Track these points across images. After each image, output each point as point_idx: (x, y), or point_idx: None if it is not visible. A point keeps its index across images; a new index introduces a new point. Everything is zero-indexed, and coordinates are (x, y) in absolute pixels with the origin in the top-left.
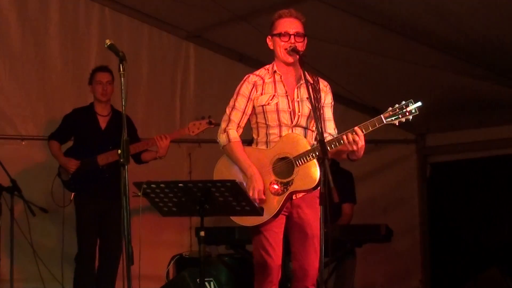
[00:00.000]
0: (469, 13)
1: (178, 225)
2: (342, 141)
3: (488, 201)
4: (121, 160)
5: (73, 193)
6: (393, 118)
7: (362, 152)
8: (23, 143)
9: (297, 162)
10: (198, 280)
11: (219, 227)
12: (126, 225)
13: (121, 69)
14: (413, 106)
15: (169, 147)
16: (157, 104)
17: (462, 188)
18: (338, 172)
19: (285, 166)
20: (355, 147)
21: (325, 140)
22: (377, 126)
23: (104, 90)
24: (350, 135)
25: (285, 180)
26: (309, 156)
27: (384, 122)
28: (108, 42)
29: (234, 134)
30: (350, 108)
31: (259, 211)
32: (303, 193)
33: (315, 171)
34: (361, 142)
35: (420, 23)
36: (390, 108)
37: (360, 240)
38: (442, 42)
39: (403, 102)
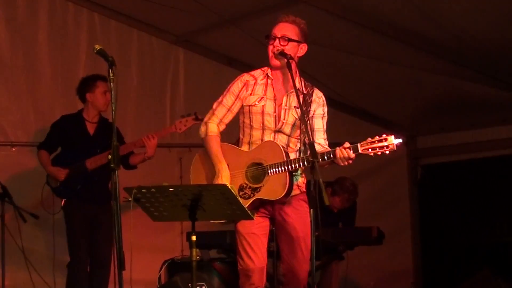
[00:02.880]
0: (459, 16)
1: (169, 229)
2: (328, 157)
3: (479, 202)
4: (112, 165)
5: (63, 200)
6: (370, 150)
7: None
8: (14, 149)
9: (269, 171)
10: (190, 284)
11: (211, 231)
12: (117, 230)
13: (111, 74)
14: (392, 142)
15: (156, 147)
16: (147, 109)
17: (453, 190)
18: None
19: (257, 172)
20: (346, 163)
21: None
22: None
23: (108, 100)
24: (343, 151)
25: (254, 186)
26: (282, 168)
27: (359, 151)
28: (97, 47)
29: (213, 128)
30: (339, 111)
31: (250, 215)
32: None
33: (283, 184)
34: (353, 158)
35: (410, 25)
36: (369, 139)
37: (352, 243)
38: (432, 44)
39: (384, 135)
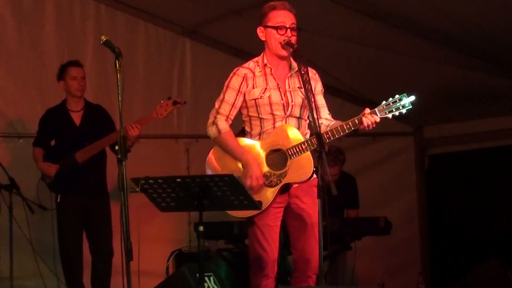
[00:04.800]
0: (466, 4)
1: (177, 220)
2: (354, 125)
3: (487, 192)
4: (119, 156)
5: (58, 195)
6: (386, 112)
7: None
8: (21, 141)
9: (291, 155)
10: (197, 275)
11: (218, 222)
12: (125, 221)
13: (117, 65)
14: (406, 100)
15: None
16: (154, 100)
17: (461, 180)
18: (341, 177)
19: (278, 158)
20: (373, 126)
21: (329, 129)
22: None
23: (80, 85)
24: (369, 117)
25: (278, 172)
26: (303, 148)
27: (378, 115)
28: (103, 38)
29: (224, 124)
30: (347, 102)
31: (257, 205)
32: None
33: (309, 163)
34: (378, 119)
35: (417, 15)
36: (384, 102)
37: (359, 233)
38: (439, 34)
39: (397, 96)
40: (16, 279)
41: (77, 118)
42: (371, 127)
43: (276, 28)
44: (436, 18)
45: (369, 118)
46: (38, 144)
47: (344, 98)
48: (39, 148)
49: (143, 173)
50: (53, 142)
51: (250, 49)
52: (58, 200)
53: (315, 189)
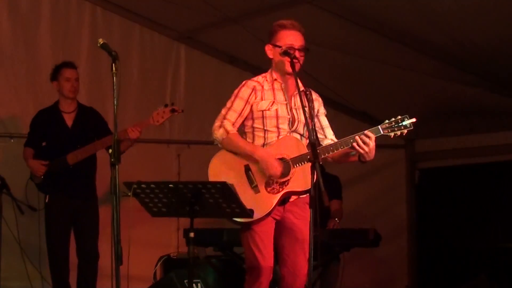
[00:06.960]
0: (461, 19)
1: (165, 225)
2: (342, 146)
3: (476, 207)
4: (112, 160)
5: (47, 196)
6: (389, 130)
7: (373, 154)
8: (12, 140)
9: (294, 164)
10: (185, 281)
11: (208, 228)
12: (116, 225)
13: (114, 69)
14: (408, 122)
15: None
16: (147, 105)
17: (451, 194)
18: (324, 177)
19: (282, 167)
20: (366, 149)
21: (327, 144)
22: (375, 135)
23: (73, 87)
24: (362, 137)
25: (281, 180)
26: (306, 159)
27: (381, 133)
28: (101, 41)
29: (231, 127)
30: (340, 112)
31: (249, 213)
32: (296, 197)
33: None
34: (372, 143)
35: (412, 28)
36: (387, 121)
37: (348, 244)
38: (433, 48)
39: (399, 117)
40: (3, 280)
41: (69, 119)
42: (365, 149)
43: (289, 49)
44: (433, 33)
45: (362, 137)
46: (29, 144)
47: (337, 109)
48: (30, 149)
49: (133, 177)
50: (44, 143)
51: (245, 56)
52: (47, 200)
53: (306, 205)
